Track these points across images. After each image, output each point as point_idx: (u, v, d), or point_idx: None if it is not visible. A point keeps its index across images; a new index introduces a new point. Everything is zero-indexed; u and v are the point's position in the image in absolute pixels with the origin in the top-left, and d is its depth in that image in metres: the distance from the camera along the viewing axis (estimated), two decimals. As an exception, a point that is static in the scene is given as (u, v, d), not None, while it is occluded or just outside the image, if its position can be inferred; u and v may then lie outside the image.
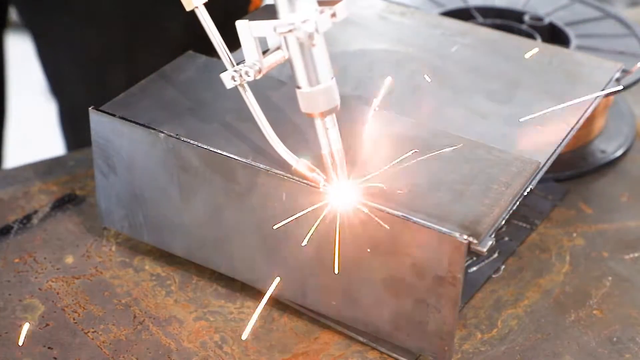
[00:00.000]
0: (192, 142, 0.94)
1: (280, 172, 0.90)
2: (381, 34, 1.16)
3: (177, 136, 0.94)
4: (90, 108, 0.98)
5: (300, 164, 0.89)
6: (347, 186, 0.89)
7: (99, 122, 0.98)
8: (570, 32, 1.28)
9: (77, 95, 1.50)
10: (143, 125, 0.96)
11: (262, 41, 0.89)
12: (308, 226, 0.90)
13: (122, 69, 1.41)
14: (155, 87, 1.02)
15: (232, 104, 0.96)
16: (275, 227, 0.90)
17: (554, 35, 1.29)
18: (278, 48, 0.89)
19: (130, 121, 0.96)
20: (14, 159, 1.49)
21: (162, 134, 0.95)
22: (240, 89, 0.90)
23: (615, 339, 0.98)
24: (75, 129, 1.57)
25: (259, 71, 0.88)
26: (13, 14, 1.51)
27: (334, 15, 0.85)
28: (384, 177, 0.90)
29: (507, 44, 1.16)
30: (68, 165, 1.18)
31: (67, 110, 1.56)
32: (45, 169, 1.17)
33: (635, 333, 0.99)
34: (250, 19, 0.87)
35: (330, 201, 0.88)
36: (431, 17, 1.22)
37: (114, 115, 0.97)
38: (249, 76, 0.88)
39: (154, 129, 0.95)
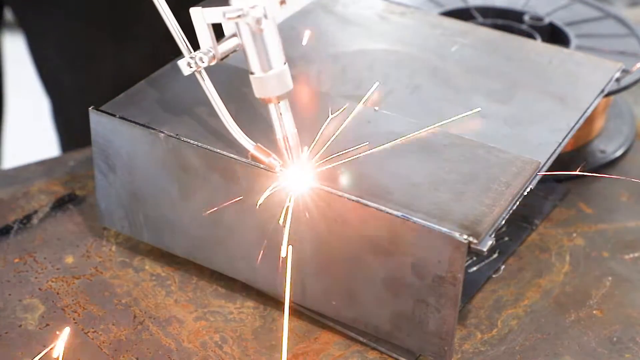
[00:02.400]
0: (192, 142, 0.94)
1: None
2: (381, 34, 1.16)
3: (177, 136, 0.95)
4: (90, 108, 0.98)
5: (257, 149, 0.91)
6: (302, 170, 0.90)
7: (98, 122, 0.98)
8: (570, 32, 1.28)
9: (67, 90, 1.51)
10: (143, 125, 0.96)
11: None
12: (307, 225, 0.90)
13: (110, 62, 1.42)
14: (155, 87, 1.02)
15: (232, 104, 0.96)
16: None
17: (554, 35, 1.29)
18: (233, 35, 0.92)
19: (130, 121, 0.97)
20: (14, 159, 1.49)
21: (162, 134, 0.95)
22: (197, 75, 0.92)
23: (615, 339, 0.98)
24: (67, 126, 1.57)
25: (213, 57, 0.91)
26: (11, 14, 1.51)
27: (283, 2, 0.88)
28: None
29: (507, 44, 1.16)
30: (68, 165, 1.18)
31: (58, 107, 1.56)
32: (45, 169, 1.17)
33: (635, 333, 0.99)
34: (204, 6, 0.89)
35: (286, 185, 0.90)
36: (431, 17, 1.22)
37: (114, 115, 0.97)
38: (203, 62, 0.91)
39: (154, 129, 0.96)
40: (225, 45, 0.93)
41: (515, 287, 1.04)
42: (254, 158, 0.91)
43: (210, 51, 0.91)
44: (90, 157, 1.02)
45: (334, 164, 0.91)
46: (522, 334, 0.98)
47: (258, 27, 0.86)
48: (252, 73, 0.89)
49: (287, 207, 0.89)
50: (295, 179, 0.90)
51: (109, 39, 1.41)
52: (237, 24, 0.87)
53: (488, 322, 0.99)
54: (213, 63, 0.92)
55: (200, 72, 0.92)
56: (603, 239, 1.10)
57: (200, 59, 0.91)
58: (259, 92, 0.90)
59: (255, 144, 0.91)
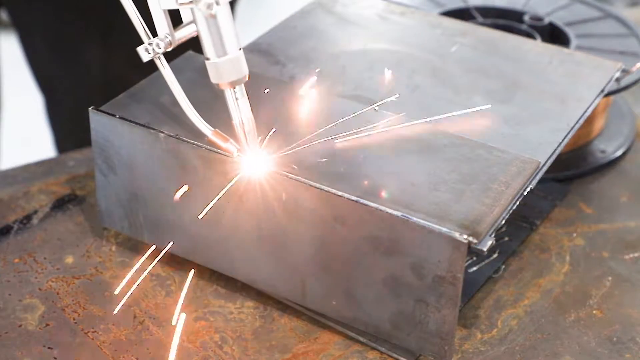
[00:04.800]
0: (192, 142, 0.94)
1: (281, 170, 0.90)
2: (381, 34, 1.16)
3: (177, 136, 0.95)
4: (90, 108, 0.98)
5: (215, 134, 0.92)
6: (259, 155, 0.91)
7: (98, 122, 0.98)
8: (570, 32, 1.28)
9: (58, 84, 1.51)
10: (143, 125, 0.96)
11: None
12: (306, 223, 0.90)
13: (99, 56, 1.43)
14: (155, 87, 1.02)
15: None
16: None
17: (554, 35, 1.29)
18: (191, 22, 0.93)
19: (130, 121, 0.97)
20: (14, 159, 1.49)
21: (162, 134, 0.95)
22: (156, 61, 0.93)
23: (615, 339, 0.98)
24: (59, 120, 1.57)
25: (170, 44, 0.93)
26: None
27: None
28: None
29: (507, 44, 1.16)
30: (68, 165, 1.18)
31: (51, 102, 1.56)
32: (45, 169, 1.17)
33: (635, 333, 0.99)
34: None
35: (243, 170, 0.91)
36: (431, 17, 1.22)
37: (114, 115, 0.97)
38: (160, 48, 0.93)
39: (154, 129, 0.96)
40: (183, 32, 0.94)
41: (515, 287, 1.03)
42: (211, 143, 0.92)
43: (167, 37, 0.93)
44: (90, 157, 1.02)
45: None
46: (522, 334, 0.98)
47: (209, 12, 0.86)
48: (207, 59, 0.90)
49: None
50: (251, 164, 0.91)
51: (97, 32, 1.42)
52: (192, 9, 0.88)
53: (488, 322, 0.99)
54: (170, 49, 0.93)
55: (159, 58, 0.93)
56: (603, 239, 1.11)
57: (157, 44, 0.92)
58: (214, 77, 0.90)
59: (213, 129, 0.92)
